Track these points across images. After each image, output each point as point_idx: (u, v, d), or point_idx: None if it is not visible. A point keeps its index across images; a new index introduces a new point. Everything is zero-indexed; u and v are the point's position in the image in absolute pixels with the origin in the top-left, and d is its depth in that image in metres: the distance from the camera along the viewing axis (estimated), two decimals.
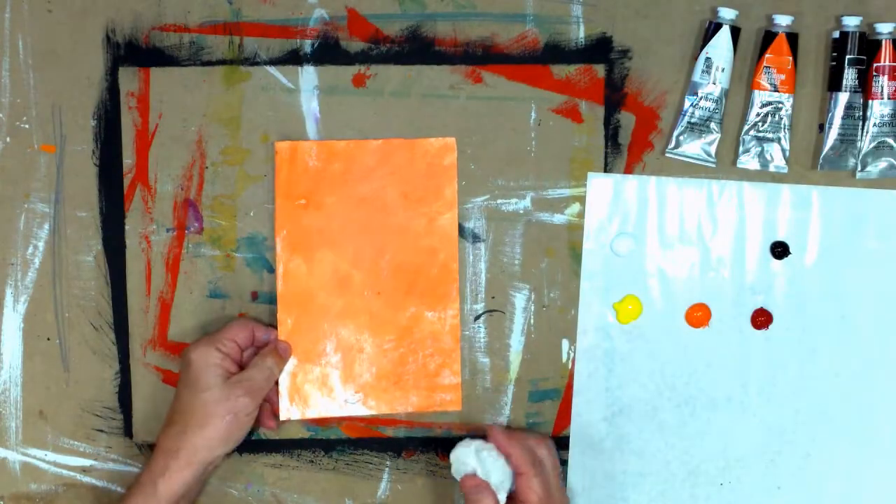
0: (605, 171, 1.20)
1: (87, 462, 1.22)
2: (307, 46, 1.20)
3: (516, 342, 1.22)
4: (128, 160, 1.20)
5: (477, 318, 1.22)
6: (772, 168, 1.19)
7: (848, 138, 1.18)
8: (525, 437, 1.16)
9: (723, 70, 1.17)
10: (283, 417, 1.20)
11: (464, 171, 1.20)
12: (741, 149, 1.19)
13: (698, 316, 1.21)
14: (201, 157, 1.20)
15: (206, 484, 1.21)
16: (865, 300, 1.20)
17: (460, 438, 1.20)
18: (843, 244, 1.20)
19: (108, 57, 1.19)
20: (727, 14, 1.17)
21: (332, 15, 1.20)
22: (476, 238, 1.21)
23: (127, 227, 1.20)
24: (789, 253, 1.20)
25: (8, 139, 1.20)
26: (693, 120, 1.18)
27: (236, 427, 1.13)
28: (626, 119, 1.20)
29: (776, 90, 1.17)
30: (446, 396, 1.21)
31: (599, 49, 1.20)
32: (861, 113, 1.18)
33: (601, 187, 1.20)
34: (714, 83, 1.17)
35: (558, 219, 1.21)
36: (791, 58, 1.17)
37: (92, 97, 1.19)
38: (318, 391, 1.21)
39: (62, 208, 1.20)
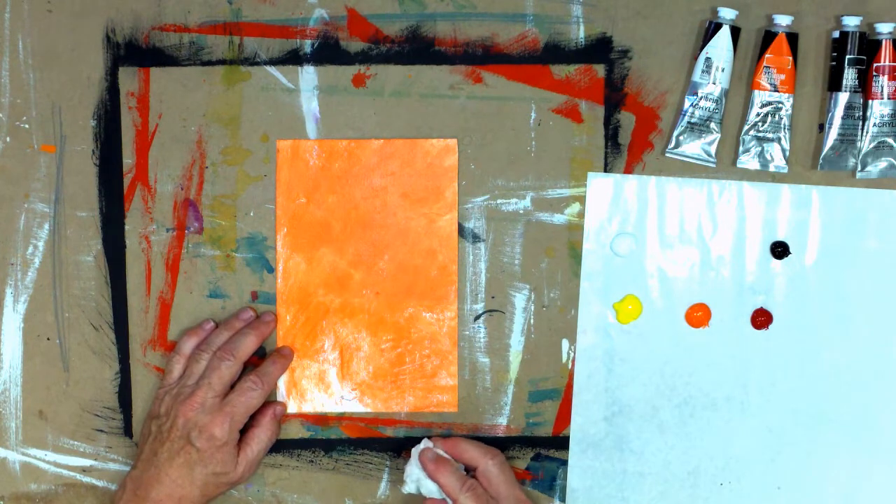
0: (605, 171, 1.20)
1: (87, 462, 1.22)
2: (307, 46, 1.20)
3: (516, 342, 1.22)
4: (128, 160, 1.20)
5: (477, 318, 1.22)
6: (772, 168, 1.19)
7: (848, 138, 1.18)
8: (465, 451, 1.17)
9: (723, 70, 1.17)
10: None
11: (464, 171, 1.20)
12: (741, 149, 1.19)
13: (698, 316, 1.21)
14: (201, 157, 1.20)
15: None
16: (865, 300, 1.20)
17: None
18: (843, 244, 1.20)
19: (108, 57, 1.19)
20: (727, 14, 1.17)
21: (332, 15, 1.20)
22: (476, 238, 1.21)
23: (127, 227, 1.21)
24: (789, 253, 1.20)
25: (8, 139, 1.20)
26: (693, 120, 1.18)
27: None
28: (626, 119, 1.20)
29: (776, 90, 1.17)
30: (443, 398, 1.21)
31: (599, 49, 1.20)
32: (861, 113, 1.18)
33: (601, 187, 1.20)
34: (714, 83, 1.17)
35: (558, 219, 1.21)
36: (791, 58, 1.16)
37: (92, 97, 1.20)
38: (315, 387, 1.21)
39: (62, 208, 1.20)
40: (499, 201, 1.21)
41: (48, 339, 1.21)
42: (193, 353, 1.18)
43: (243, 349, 1.17)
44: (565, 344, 1.22)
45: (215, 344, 1.17)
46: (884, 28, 1.17)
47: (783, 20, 1.17)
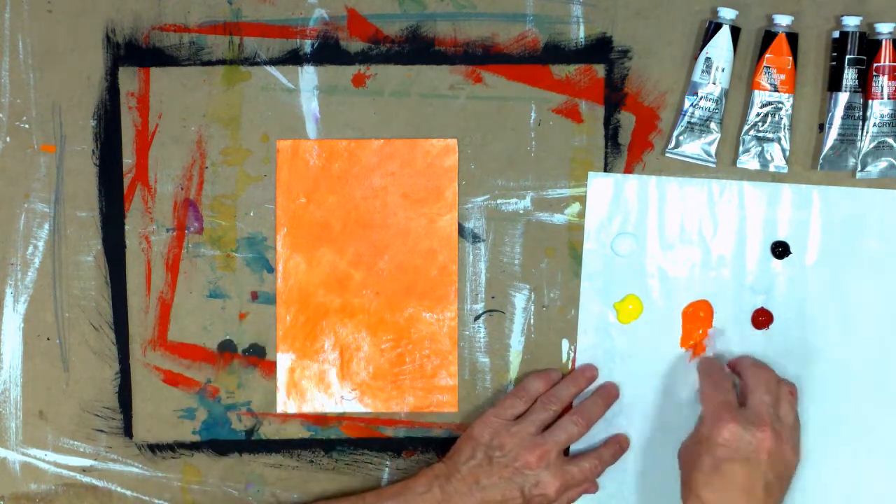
0: (606, 171, 1.20)
1: (87, 462, 1.22)
2: (307, 46, 1.20)
3: (516, 342, 1.22)
4: (128, 160, 1.20)
5: (477, 318, 1.22)
6: (772, 168, 1.19)
7: (848, 138, 1.18)
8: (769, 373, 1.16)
9: (723, 70, 1.17)
10: (279, 411, 1.21)
11: (464, 171, 1.20)
12: (741, 149, 1.19)
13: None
14: (201, 157, 1.20)
15: (208, 485, 1.22)
16: (865, 300, 1.20)
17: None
18: (843, 244, 1.20)
19: (108, 57, 1.19)
20: (727, 14, 1.17)
21: (332, 15, 1.20)
22: (476, 238, 1.21)
23: (127, 227, 1.21)
24: (790, 253, 1.20)
25: (8, 139, 1.20)
26: (693, 120, 1.18)
27: None
28: (626, 119, 1.20)
29: (776, 90, 1.17)
30: (443, 398, 1.21)
31: (599, 49, 1.20)
32: (861, 113, 1.18)
33: (601, 187, 1.20)
34: (714, 83, 1.17)
35: (558, 219, 1.21)
36: (791, 58, 1.16)
37: (92, 97, 1.20)
38: (315, 387, 1.21)
39: (62, 208, 1.20)
40: (499, 201, 1.21)
41: (48, 339, 1.21)
42: (543, 400, 1.18)
43: (594, 416, 1.18)
44: (565, 344, 1.22)
45: (564, 398, 1.18)
46: (884, 28, 1.16)
47: (783, 20, 1.17)
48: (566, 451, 1.19)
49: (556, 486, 1.14)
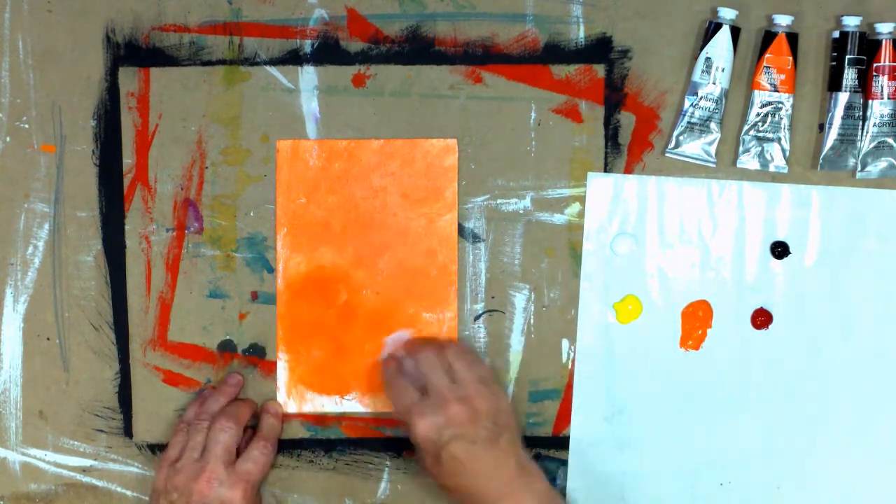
0: (605, 171, 1.20)
1: (87, 462, 1.22)
2: (307, 46, 1.20)
3: (516, 342, 1.22)
4: (128, 160, 1.20)
5: (477, 318, 1.22)
6: (772, 168, 1.19)
7: (848, 138, 1.18)
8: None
9: (723, 70, 1.17)
10: None
11: (464, 171, 1.20)
12: (741, 149, 1.19)
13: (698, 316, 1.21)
14: (201, 157, 1.20)
15: None
16: (865, 300, 1.20)
17: None
18: (843, 244, 1.20)
19: (108, 57, 1.19)
20: (727, 14, 1.17)
21: (332, 15, 1.20)
22: (476, 238, 1.21)
23: (127, 227, 1.21)
24: (789, 253, 1.20)
25: (8, 139, 1.20)
26: (693, 120, 1.18)
27: None
28: (626, 119, 1.20)
29: (776, 90, 1.17)
30: None
31: (599, 49, 1.20)
32: (861, 113, 1.18)
33: (601, 187, 1.20)
34: (714, 83, 1.17)
35: (558, 219, 1.21)
36: (791, 58, 1.17)
37: (92, 97, 1.20)
38: (315, 387, 1.21)
39: (62, 208, 1.20)
40: (499, 201, 1.21)
41: (48, 339, 1.21)
42: (193, 423, 1.17)
43: (242, 414, 1.18)
44: (565, 344, 1.22)
45: (212, 411, 1.18)
46: (884, 28, 1.17)
47: (783, 20, 1.17)
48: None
49: (241, 493, 1.13)
